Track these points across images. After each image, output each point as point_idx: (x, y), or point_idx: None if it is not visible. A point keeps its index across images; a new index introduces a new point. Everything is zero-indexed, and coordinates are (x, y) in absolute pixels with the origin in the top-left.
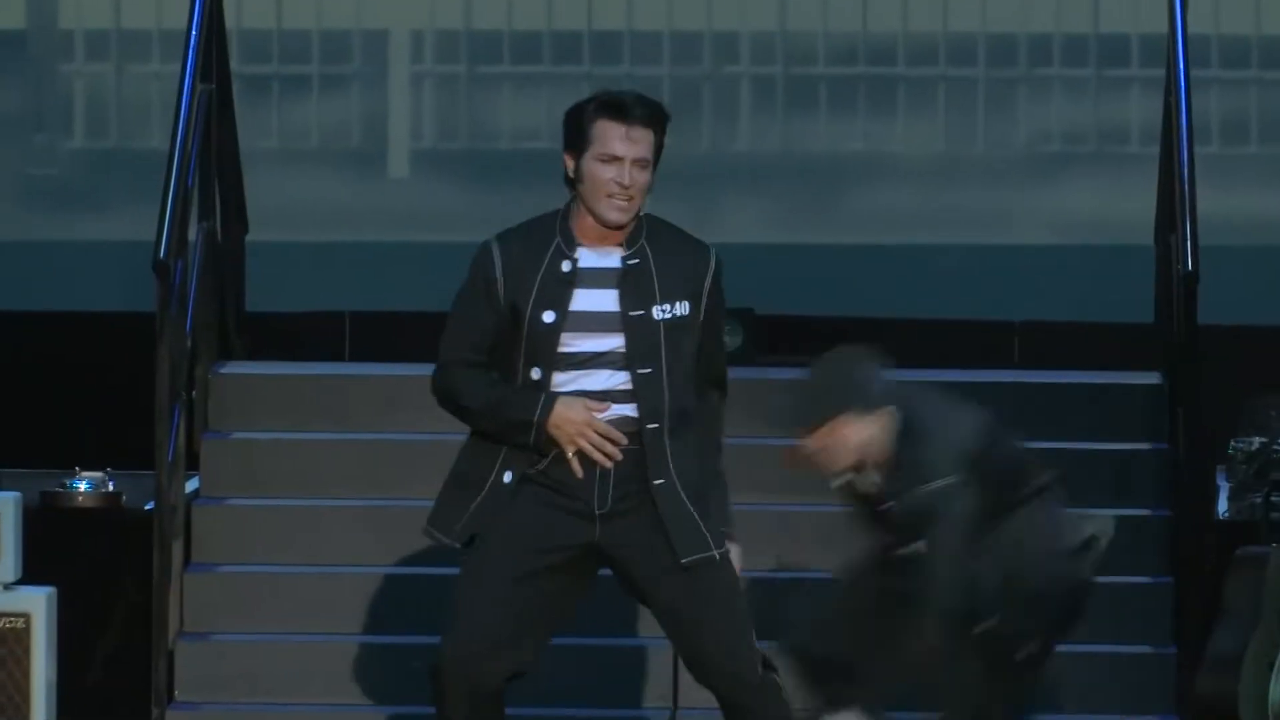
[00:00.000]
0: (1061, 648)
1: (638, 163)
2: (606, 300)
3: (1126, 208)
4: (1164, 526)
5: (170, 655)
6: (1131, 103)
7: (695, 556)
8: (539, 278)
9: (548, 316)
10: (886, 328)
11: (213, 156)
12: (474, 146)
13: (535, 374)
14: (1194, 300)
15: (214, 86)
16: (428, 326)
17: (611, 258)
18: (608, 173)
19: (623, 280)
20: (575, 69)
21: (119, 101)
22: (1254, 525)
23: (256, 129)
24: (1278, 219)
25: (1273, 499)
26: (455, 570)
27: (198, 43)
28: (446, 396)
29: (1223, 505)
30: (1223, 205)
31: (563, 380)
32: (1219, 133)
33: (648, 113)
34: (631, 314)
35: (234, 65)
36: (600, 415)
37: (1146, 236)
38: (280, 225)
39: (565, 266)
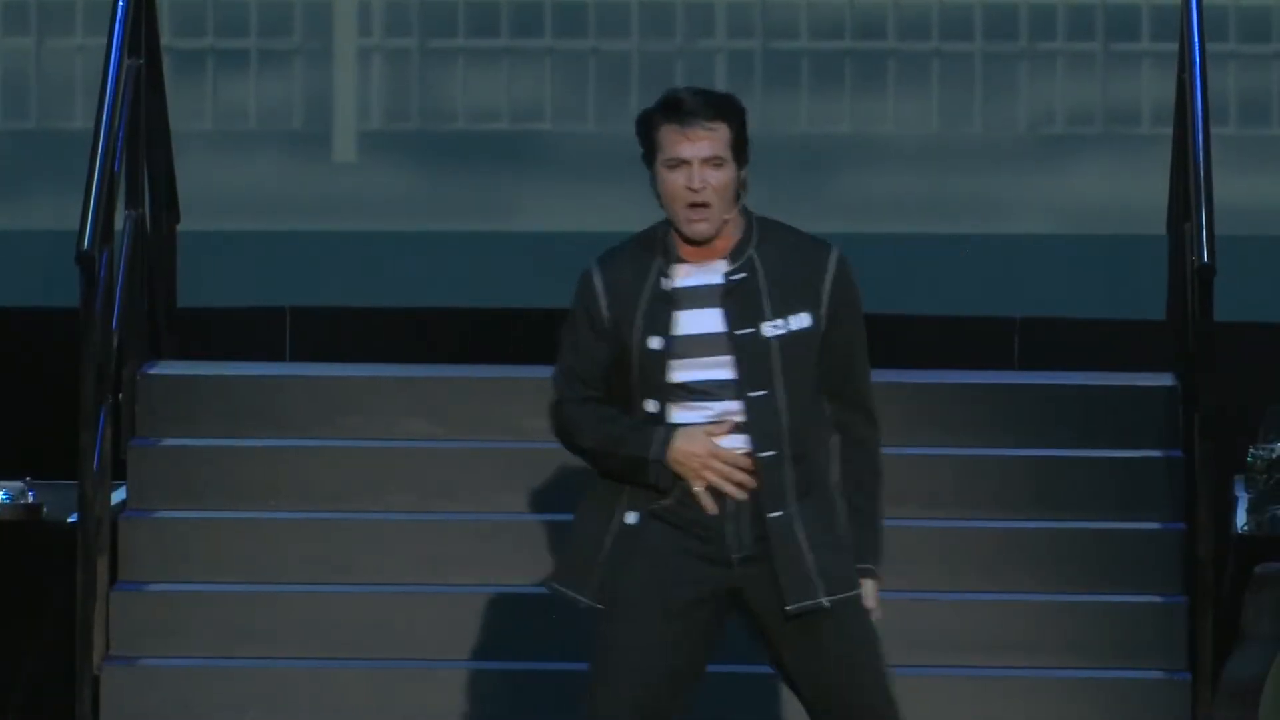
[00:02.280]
0: (1066, 673)
1: (708, 163)
2: (712, 321)
3: (1137, 194)
4: (1177, 541)
5: (95, 682)
6: (1142, 80)
7: (801, 604)
8: (642, 301)
9: (654, 343)
10: (874, 325)
11: (141, 138)
12: (427, 127)
13: (651, 406)
14: (1210, 295)
15: (143, 61)
16: (374, 323)
17: (715, 274)
18: (678, 179)
19: (726, 298)
20: (536, 42)
21: (39, 78)
22: (1275, 540)
23: (189, 108)
24: None
25: None
26: (398, 589)
27: (125, 14)
28: (563, 437)
29: (1241, 518)
30: (1241, 191)
31: (680, 411)
32: (1237, 112)
33: (709, 107)
34: (738, 333)
35: (165, 39)
36: (721, 440)
37: (1159, 226)
38: (215, 213)
39: (665, 286)
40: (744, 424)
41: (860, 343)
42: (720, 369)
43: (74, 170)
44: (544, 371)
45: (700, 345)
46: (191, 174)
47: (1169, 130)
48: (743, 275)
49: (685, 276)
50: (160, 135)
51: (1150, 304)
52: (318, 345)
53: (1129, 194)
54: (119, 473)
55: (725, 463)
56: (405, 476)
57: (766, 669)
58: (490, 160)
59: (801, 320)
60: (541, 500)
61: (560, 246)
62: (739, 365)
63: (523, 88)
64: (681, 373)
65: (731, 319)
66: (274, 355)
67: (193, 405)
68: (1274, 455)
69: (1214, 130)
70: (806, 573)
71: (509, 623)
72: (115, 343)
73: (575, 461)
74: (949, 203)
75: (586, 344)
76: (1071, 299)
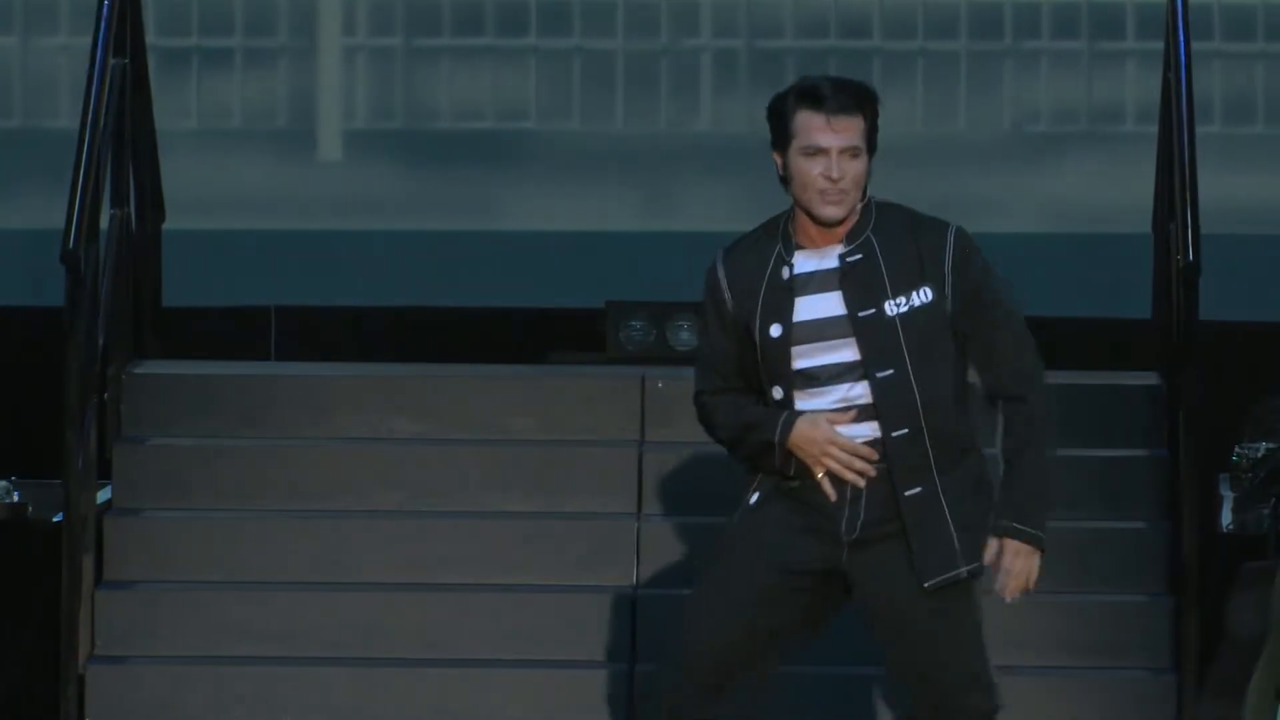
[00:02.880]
0: (1052, 671)
1: (846, 152)
2: (832, 304)
3: (1121, 193)
4: (1163, 540)
5: (80, 681)
6: (1127, 78)
7: (940, 579)
8: (763, 289)
9: (774, 330)
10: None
11: (126, 137)
12: (411, 126)
13: (777, 393)
14: (1195, 294)
15: (128, 60)
16: (359, 322)
17: (831, 258)
18: (815, 167)
19: (844, 280)
20: (520, 41)
21: (24, 77)
22: (1260, 538)
23: (174, 107)
24: None
25: None
26: (384, 588)
27: (110, 13)
28: (706, 429)
29: (1226, 517)
30: (1226, 190)
31: (804, 398)
32: (1222, 111)
33: (850, 98)
34: (860, 315)
35: (150, 37)
36: (843, 429)
37: (1144, 224)
38: (200, 212)
39: (784, 274)
40: (874, 405)
41: (1000, 312)
42: (842, 352)
43: (59, 169)
44: (531, 370)
45: (821, 329)
46: (176, 173)
47: (1154, 129)
48: (858, 257)
49: (804, 263)
50: (145, 134)
51: (1135, 302)
52: (303, 344)
53: (1114, 192)
54: (104, 472)
55: (844, 450)
56: (391, 475)
57: (846, 670)
58: (475, 159)
59: (924, 295)
60: (528, 498)
61: (545, 245)
62: (864, 346)
63: (507, 86)
64: (803, 359)
65: (852, 301)
66: (259, 354)
67: (178, 404)
68: (1259, 453)
69: (1199, 129)
70: (949, 546)
71: (498, 620)
72: (100, 342)
73: (564, 459)
74: (933, 201)
75: (716, 335)
76: (1056, 297)
